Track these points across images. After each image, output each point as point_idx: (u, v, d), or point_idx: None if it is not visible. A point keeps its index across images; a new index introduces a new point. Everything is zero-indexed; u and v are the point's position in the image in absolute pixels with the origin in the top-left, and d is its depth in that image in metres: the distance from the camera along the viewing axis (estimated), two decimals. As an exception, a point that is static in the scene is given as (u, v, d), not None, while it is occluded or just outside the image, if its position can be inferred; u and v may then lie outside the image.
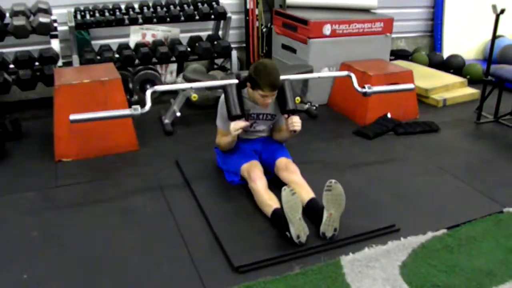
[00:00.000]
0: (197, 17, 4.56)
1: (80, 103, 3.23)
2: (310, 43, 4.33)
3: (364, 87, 3.35)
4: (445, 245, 2.46)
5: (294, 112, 2.88)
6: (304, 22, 4.36)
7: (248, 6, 4.92)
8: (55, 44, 4.00)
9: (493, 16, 3.94)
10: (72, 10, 4.28)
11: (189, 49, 4.47)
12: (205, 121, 3.92)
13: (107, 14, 4.29)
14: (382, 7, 5.12)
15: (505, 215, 2.74)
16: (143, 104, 2.90)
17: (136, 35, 4.60)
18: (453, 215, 2.73)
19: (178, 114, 3.93)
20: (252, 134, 3.04)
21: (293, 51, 4.57)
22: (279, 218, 2.47)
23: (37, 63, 3.95)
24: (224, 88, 2.86)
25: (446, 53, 5.82)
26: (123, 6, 4.41)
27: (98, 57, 4.19)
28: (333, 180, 2.43)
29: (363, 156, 3.53)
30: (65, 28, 4.18)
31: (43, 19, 3.83)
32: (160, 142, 3.70)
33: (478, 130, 4.10)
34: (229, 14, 4.67)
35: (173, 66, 4.81)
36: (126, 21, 4.33)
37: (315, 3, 4.88)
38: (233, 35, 4.99)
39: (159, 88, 3.17)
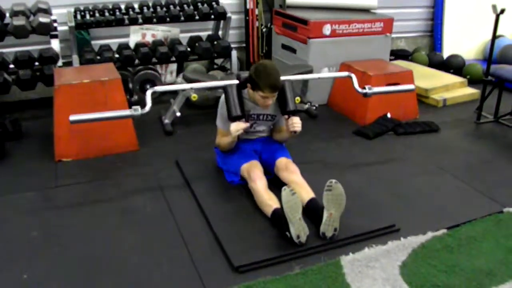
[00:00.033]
0: (197, 17, 4.56)
1: (80, 103, 3.23)
2: (310, 43, 4.32)
3: (364, 88, 3.35)
4: (445, 245, 2.46)
5: (294, 113, 2.88)
6: (304, 22, 4.36)
7: (248, 6, 4.91)
8: (55, 44, 3.99)
9: (493, 16, 3.94)
10: (72, 10, 4.28)
11: (189, 49, 4.47)
12: (205, 121, 3.92)
13: (107, 14, 4.29)
14: (382, 7, 5.12)
15: (505, 215, 2.74)
16: (143, 104, 2.90)
17: (136, 35, 4.60)
18: (453, 215, 2.73)
19: (178, 114, 3.93)
20: (252, 134, 3.04)
21: (293, 51, 4.57)
22: (279, 218, 2.47)
23: (37, 63, 3.95)
24: (224, 88, 2.87)
25: (446, 53, 5.82)
26: (123, 6, 4.41)
27: (98, 57, 4.18)
28: (334, 180, 2.43)
29: (363, 156, 3.53)
30: (65, 28, 4.18)
31: (43, 19, 3.83)
32: (160, 142, 3.70)
33: (478, 130, 4.09)
34: (229, 14, 4.67)
35: (173, 66, 4.81)
36: (126, 21, 4.33)
37: (315, 3, 4.88)
38: (233, 35, 4.99)
39: (159, 88, 3.17)
